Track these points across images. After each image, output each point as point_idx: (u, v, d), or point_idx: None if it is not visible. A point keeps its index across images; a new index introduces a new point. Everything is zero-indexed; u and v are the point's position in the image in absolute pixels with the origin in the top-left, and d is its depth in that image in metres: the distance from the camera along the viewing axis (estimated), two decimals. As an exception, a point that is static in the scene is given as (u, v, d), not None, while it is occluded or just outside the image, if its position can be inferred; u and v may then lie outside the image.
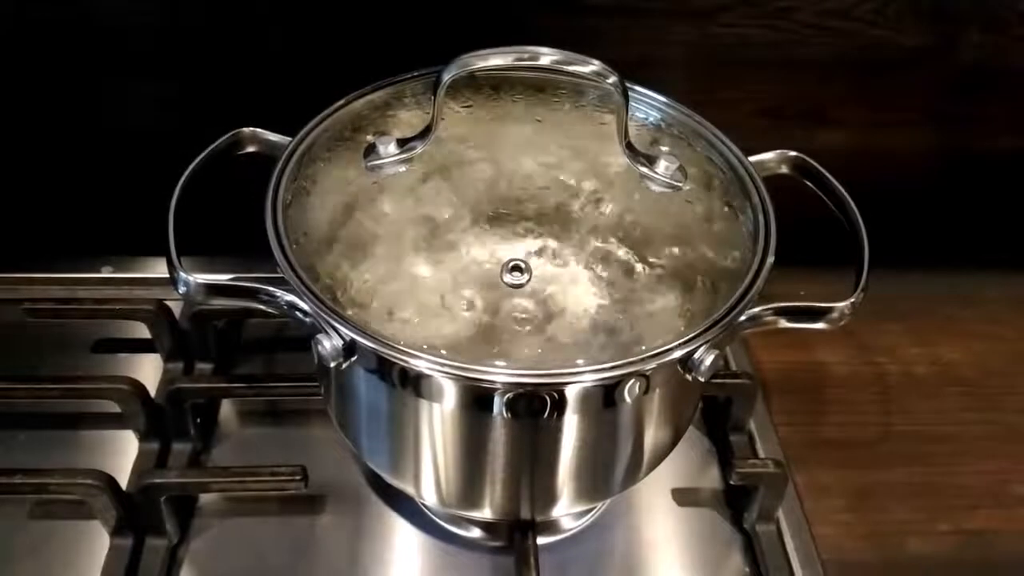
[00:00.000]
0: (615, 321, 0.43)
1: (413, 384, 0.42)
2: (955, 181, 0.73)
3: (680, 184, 0.49)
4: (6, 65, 0.62)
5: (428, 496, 0.49)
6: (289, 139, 0.49)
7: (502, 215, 0.47)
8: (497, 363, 0.40)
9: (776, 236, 0.46)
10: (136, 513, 0.51)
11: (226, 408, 0.61)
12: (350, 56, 0.60)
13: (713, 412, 0.61)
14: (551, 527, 0.55)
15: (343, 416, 0.50)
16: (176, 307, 0.63)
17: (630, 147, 0.49)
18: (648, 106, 0.53)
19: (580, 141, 0.51)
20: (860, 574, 0.54)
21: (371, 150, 0.49)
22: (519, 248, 0.46)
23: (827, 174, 0.50)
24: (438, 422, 0.44)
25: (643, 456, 0.49)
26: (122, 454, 0.57)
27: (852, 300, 0.45)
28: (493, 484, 0.47)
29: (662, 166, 0.49)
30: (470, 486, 0.48)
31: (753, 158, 0.51)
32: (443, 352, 0.41)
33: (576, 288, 0.45)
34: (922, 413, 0.64)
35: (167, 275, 0.44)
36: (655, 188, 0.49)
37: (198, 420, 0.58)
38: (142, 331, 0.62)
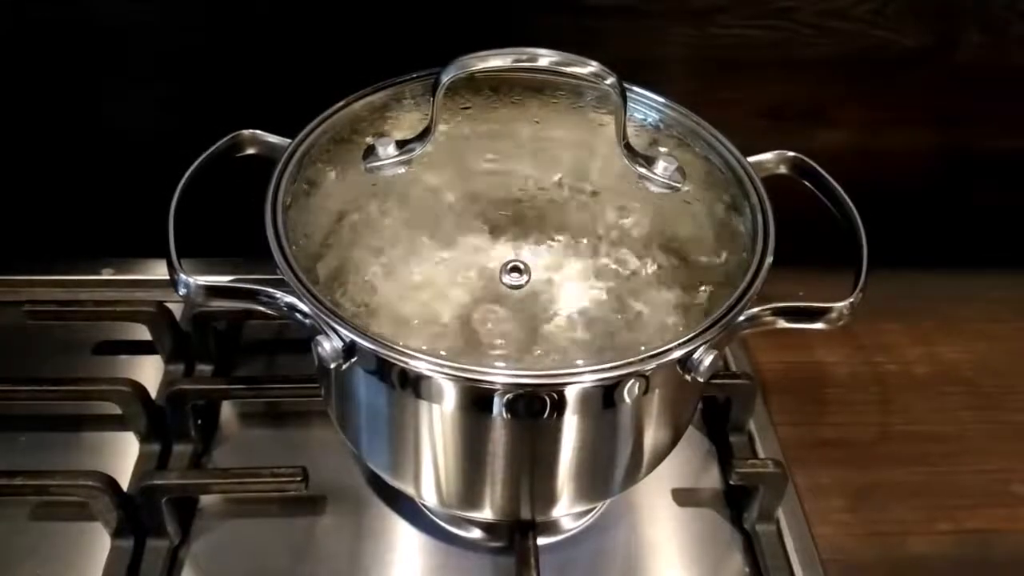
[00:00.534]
0: (614, 321, 0.44)
1: (413, 385, 0.42)
2: (955, 181, 0.73)
3: (679, 185, 0.49)
4: (6, 65, 0.62)
5: (428, 497, 0.49)
6: (289, 141, 0.49)
7: (501, 216, 0.47)
8: (497, 364, 0.41)
9: (775, 236, 0.46)
10: (137, 514, 0.52)
11: (227, 409, 0.61)
12: (349, 58, 0.60)
13: (713, 412, 0.61)
14: (551, 528, 0.55)
15: (343, 417, 0.50)
16: (177, 309, 0.63)
17: (629, 148, 0.49)
18: (647, 107, 0.53)
19: (579, 142, 0.51)
20: (860, 574, 0.54)
21: (370, 152, 0.49)
22: (518, 249, 0.46)
23: (825, 174, 0.50)
24: (438, 423, 0.44)
25: (643, 456, 0.49)
26: (123, 456, 0.57)
27: (851, 300, 0.45)
28: (493, 485, 0.47)
29: (661, 167, 0.49)
30: (470, 487, 0.48)
31: (752, 158, 0.51)
32: (443, 353, 0.41)
33: (575, 289, 0.45)
34: (922, 413, 0.64)
35: (168, 277, 0.44)
36: (654, 189, 0.49)
37: (199, 421, 0.58)
38: (143, 333, 0.62)
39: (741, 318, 0.43)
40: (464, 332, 0.43)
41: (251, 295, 0.44)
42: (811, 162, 0.51)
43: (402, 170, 0.48)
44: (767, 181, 0.50)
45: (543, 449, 0.45)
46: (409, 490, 0.50)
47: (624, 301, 0.44)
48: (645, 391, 0.43)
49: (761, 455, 0.59)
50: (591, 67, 0.46)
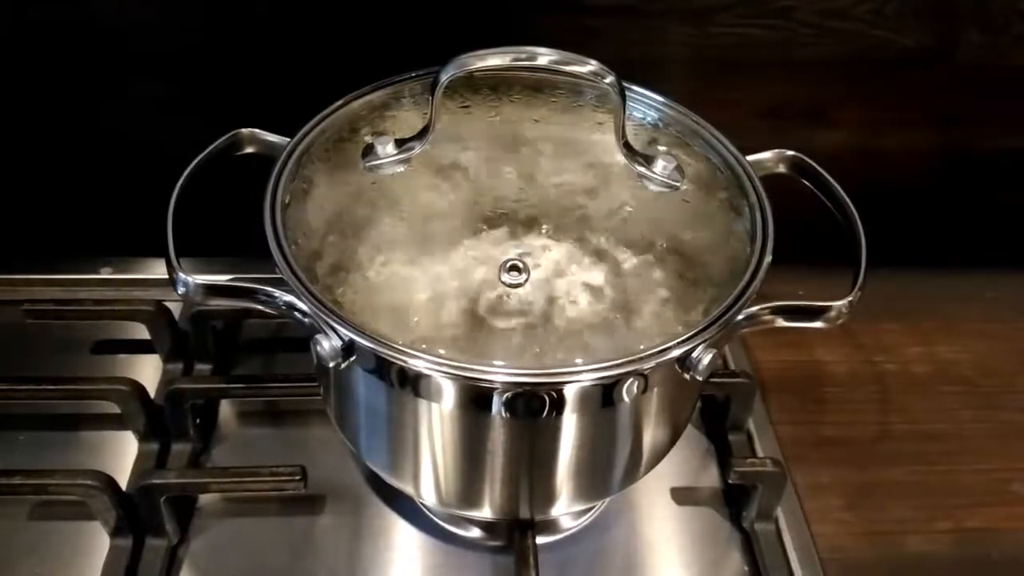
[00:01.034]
0: (613, 320, 0.43)
1: (412, 384, 0.42)
2: (954, 181, 0.73)
3: (678, 184, 0.49)
4: (6, 65, 0.62)
5: (427, 496, 0.49)
6: (287, 140, 0.49)
7: (500, 215, 0.47)
8: (496, 362, 0.41)
9: (774, 235, 0.46)
10: (136, 513, 0.52)
11: (225, 408, 0.61)
12: (348, 56, 0.60)
13: (712, 411, 0.61)
14: (550, 526, 0.55)
15: (342, 416, 0.50)
16: (175, 308, 0.63)
17: (628, 147, 0.49)
18: (646, 106, 0.53)
19: (578, 141, 0.51)
20: (859, 573, 0.54)
21: (369, 150, 0.49)
22: (517, 248, 0.46)
23: (824, 173, 0.50)
24: (437, 422, 0.44)
25: (642, 455, 0.49)
26: (122, 455, 0.57)
27: (849, 299, 0.45)
28: (492, 483, 0.47)
29: (660, 166, 0.49)
30: (469, 486, 0.48)
31: (751, 157, 0.51)
32: (441, 352, 0.41)
33: (574, 287, 0.44)
34: (921, 412, 0.64)
35: (166, 276, 0.44)
36: (653, 188, 0.49)
37: (197, 420, 0.58)
38: (141, 332, 0.62)
39: (740, 317, 0.43)
40: (463, 330, 0.43)
41: (250, 294, 0.44)
42: (810, 161, 0.51)
43: (401, 169, 0.48)
44: (766, 180, 0.50)
45: (542, 448, 0.45)
46: (408, 489, 0.50)
47: (623, 300, 0.44)
48: (644, 390, 0.43)
49: (760, 454, 0.59)
50: (590, 66, 0.45)
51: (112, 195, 0.66)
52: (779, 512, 0.55)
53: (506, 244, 0.46)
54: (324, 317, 0.41)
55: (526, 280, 0.44)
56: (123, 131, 0.65)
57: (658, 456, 0.50)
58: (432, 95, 0.47)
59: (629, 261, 0.46)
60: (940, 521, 0.57)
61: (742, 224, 0.47)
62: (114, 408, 0.56)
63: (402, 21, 0.61)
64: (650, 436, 0.48)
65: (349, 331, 0.41)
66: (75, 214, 0.67)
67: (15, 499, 0.54)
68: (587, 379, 0.41)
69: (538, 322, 0.43)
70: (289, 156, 0.48)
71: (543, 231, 0.46)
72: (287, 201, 0.46)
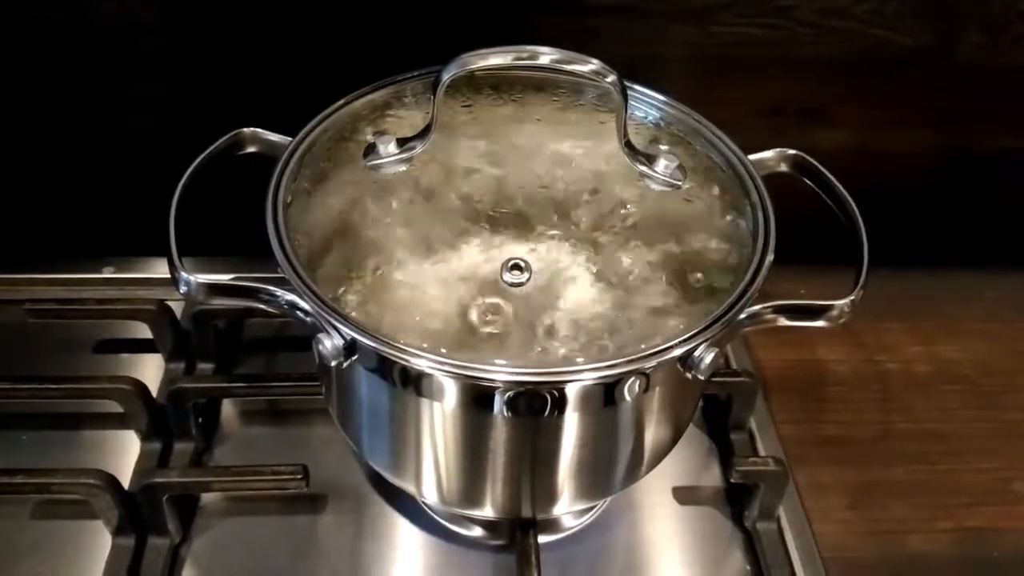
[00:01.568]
0: (615, 319, 0.44)
1: (414, 383, 0.42)
2: (954, 180, 0.73)
3: (679, 183, 0.49)
4: (7, 65, 0.62)
5: (429, 495, 0.49)
6: (289, 139, 0.49)
7: (502, 214, 0.47)
8: (497, 361, 0.41)
9: (775, 234, 0.46)
10: (138, 513, 0.52)
11: (227, 408, 0.61)
12: (350, 56, 0.60)
13: (714, 410, 0.61)
14: (552, 525, 0.55)
15: (344, 415, 0.50)
16: (177, 307, 0.63)
17: (629, 146, 0.49)
18: (647, 105, 0.53)
19: (579, 140, 0.51)
20: (861, 572, 0.54)
21: (371, 150, 0.49)
22: (519, 247, 0.46)
23: (826, 172, 0.50)
24: (439, 421, 0.44)
25: (643, 454, 0.49)
26: (124, 454, 0.57)
27: (851, 298, 0.45)
28: (494, 482, 0.47)
29: (661, 165, 0.49)
30: (471, 485, 0.48)
31: (752, 156, 0.51)
32: (444, 351, 0.41)
33: (576, 286, 0.45)
34: (922, 411, 0.64)
35: (168, 275, 0.44)
36: (654, 187, 0.49)
37: (200, 420, 0.58)
38: (144, 331, 0.62)
39: (742, 316, 0.43)
40: (465, 330, 0.43)
41: (252, 293, 0.44)
42: (812, 160, 0.51)
43: (403, 168, 0.48)
44: (768, 179, 0.50)
45: (544, 447, 0.45)
46: (410, 488, 0.50)
47: (625, 299, 0.44)
48: (646, 389, 0.43)
49: (762, 453, 0.59)
50: (592, 65, 0.46)
51: (114, 195, 0.66)
52: (781, 511, 0.55)
53: (508, 243, 0.46)
54: (326, 316, 0.41)
55: (528, 279, 0.44)
56: (125, 131, 0.66)
57: (660, 455, 0.50)
58: (434, 94, 0.47)
59: (631, 260, 0.46)
60: (941, 520, 0.57)
61: (744, 223, 0.47)
62: (116, 407, 0.57)
63: (403, 20, 0.61)
64: (652, 435, 0.48)
65: (351, 330, 0.41)
66: (77, 214, 0.67)
67: (18, 498, 0.54)
68: (589, 378, 0.41)
69: (539, 321, 0.43)
70: (291, 155, 0.48)
71: (545, 230, 0.46)
72: (289, 200, 0.46)
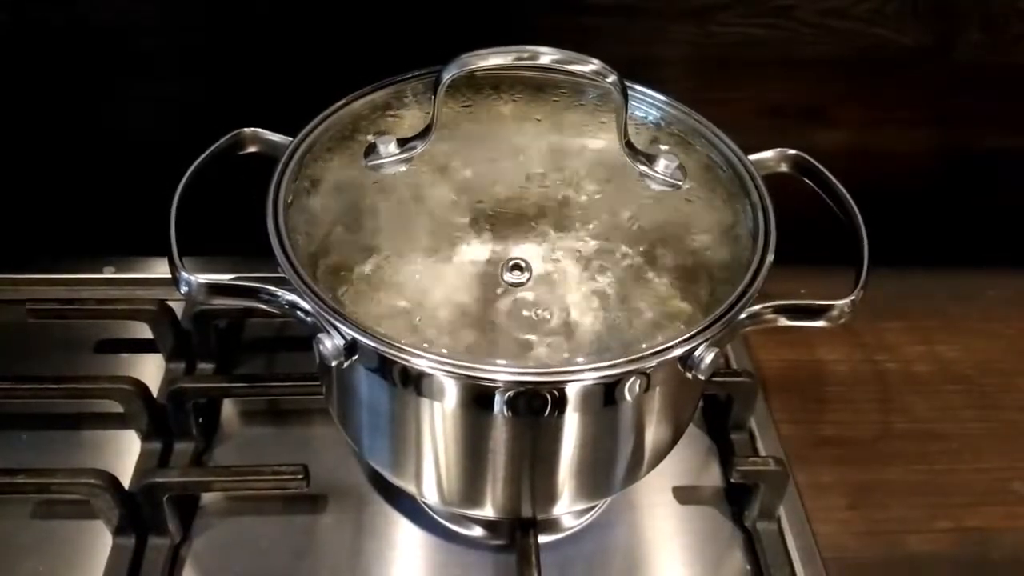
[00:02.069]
0: (615, 319, 0.44)
1: (414, 383, 0.42)
2: (954, 179, 0.73)
3: (680, 183, 0.49)
4: (6, 65, 0.62)
5: (429, 495, 0.49)
6: (290, 139, 0.49)
7: (502, 214, 0.47)
8: (498, 361, 0.41)
9: (776, 234, 0.46)
10: (138, 512, 0.52)
11: (228, 407, 0.61)
12: (350, 56, 0.60)
13: (714, 410, 0.61)
14: (552, 525, 0.55)
15: (344, 415, 0.50)
16: (178, 307, 0.63)
17: (630, 146, 0.49)
18: (648, 105, 0.53)
19: (580, 140, 0.51)
20: (860, 572, 0.54)
21: (371, 150, 0.49)
22: (519, 247, 0.46)
23: (827, 172, 0.50)
24: (439, 421, 0.44)
25: (644, 454, 0.49)
26: (124, 454, 0.57)
27: (852, 298, 0.45)
28: (494, 482, 0.47)
29: (662, 165, 0.49)
30: (471, 484, 0.48)
31: (753, 156, 0.51)
32: (444, 351, 0.41)
33: (576, 286, 0.45)
34: (922, 411, 0.64)
35: (169, 275, 0.44)
36: (655, 187, 0.49)
37: (200, 420, 0.58)
38: (144, 331, 0.62)
39: (742, 316, 0.43)
40: (465, 329, 0.43)
41: (252, 293, 0.44)
42: (812, 160, 0.51)
43: (403, 168, 0.49)
44: (768, 179, 0.50)
45: (544, 447, 0.45)
46: (410, 488, 0.50)
47: (625, 298, 0.44)
48: (646, 389, 0.43)
49: (762, 453, 0.59)
50: (592, 65, 0.46)
51: (115, 194, 0.66)
52: (781, 511, 0.55)
53: (508, 243, 0.46)
54: (327, 316, 0.41)
55: (528, 279, 0.44)
56: (125, 131, 0.66)
57: (660, 455, 0.51)
58: (434, 94, 0.47)
59: (631, 260, 0.46)
60: (941, 520, 0.57)
61: (744, 223, 0.47)
62: (117, 407, 0.57)
63: (404, 20, 0.61)
64: (652, 435, 0.48)
65: (352, 330, 0.41)
66: (78, 214, 0.67)
67: (18, 498, 0.54)
68: (589, 378, 0.41)
69: (540, 321, 0.43)
70: (292, 155, 0.48)
71: (545, 230, 0.47)
72: (290, 200, 0.46)
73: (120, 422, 0.57)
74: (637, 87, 0.52)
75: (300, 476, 0.51)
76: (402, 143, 0.49)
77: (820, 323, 0.46)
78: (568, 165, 0.50)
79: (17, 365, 0.60)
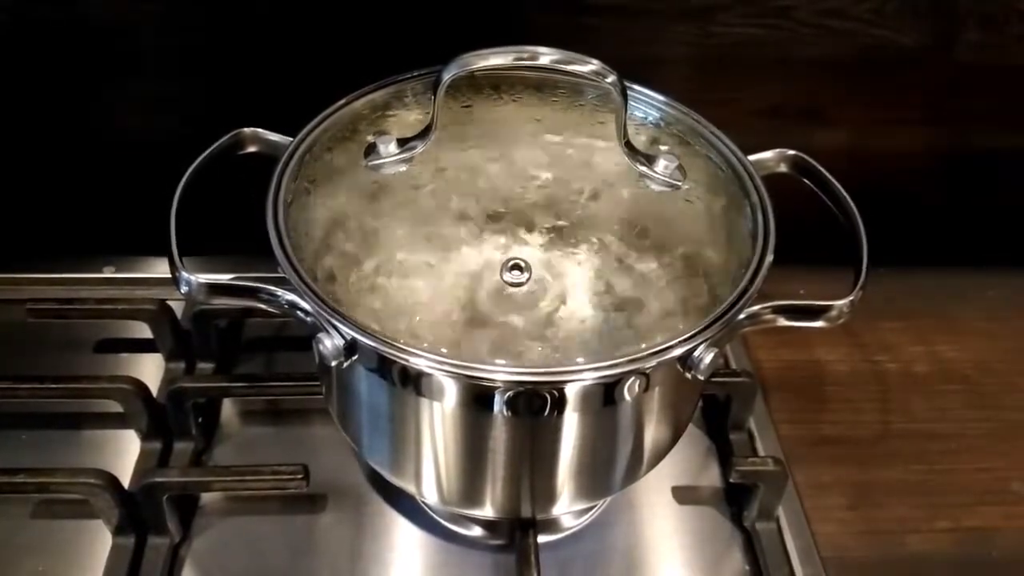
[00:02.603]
0: (615, 319, 0.44)
1: (414, 383, 0.42)
2: (954, 179, 0.73)
3: (679, 183, 0.49)
4: (6, 65, 0.62)
5: (429, 494, 0.49)
6: (290, 139, 0.49)
7: (502, 214, 0.47)
8: (497, 361, 0.41)
9: (775, 234, 0.46)
10: (138, 512, 0.52)
11: (227, 407, 0.61)
12: (350, 56, 0.60)
13: (713, 410, 0.61)
14: (552, 525, 0.55)
15: (344, 415, 0.50)
16: (178, 307, 0.63)
17: (629, 146, 0.49)
18: (647, 105, 0.53)
19: (579, 140, 0.51)
20: (860, 572, 0.55)
21: (372, 150, 0.49)
22: (519, 247, 0.46)
23: (826, 173, 0.50)
24: (439, 420, 0.44)
25: (643, 454, 0.49)
26: (124, 453, 0.57)
27: (851, 298, 0.45)
28: (494, 482, 0.47)
29: (661, 165, 0.49)
30: (471, 484, 0.48)
31: (752, 157, 0.51)
32: (444, 351, 0.41)
33: (575, 286, 0.45)
34: (921, 411, 0.64)
35: (169, 275, 0.44)
36: (654, 187, 0.49)
37: (200, 419, 0.58)
38: (144, 331, 0.62)
39: (741, 316, 0.44)
40: (465, 329, 0.43)
41: (252, 293, 0.44)
42: (811, 160, 0.51)
43: (403, 168, 0.49)
44: (767, 179, 0.50)
45: (543, 447, 0.45)
46: (410, 488, 0.50)
47: (625, 299, 0.44)
48: (645, 389, 0.43)
49: (761, 453, 0.59)
50: (592, 65, 0.46)
51: (114, 194, 0.66)
52: (780, 511, 0.55)
53: (508, 243, 0.46)
54: (326, 316, 0.41)
55: (528, 279, 0.44)
56: (125, 130, 0.66)
57: (659, 455, 0.51)
58: (434, 94, 0.47)
59: (630, 260, 0.46)
60: (940, 520, 0.57)
61: (743, 223, 0.47)
62: (116, 407, 0.57)
63: (404, 20, 0.61)
64: (651, 435, 0.48)
65: (351, 330, 0.41)
66: (77, 213, 0.67)
67: (18, 497, 0.54)
68: (589, 378, 0.41)
69: (539, 321, 0.43)
70: (291, 155, 0.48)
71: (545, 230, 0.47)
72: (290, 200, 0.46)
73: (120, 422, 0.57)
74: (636, 87, 0.52)
75: (300, 476, 0.51)
76: (402, 143, 0.49)
77: (819, 323, 0.46)
78: (568, 165, 0.50)
79: (17, 365, 0.60)
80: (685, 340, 0.41)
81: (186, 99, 0.64)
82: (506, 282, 0.44)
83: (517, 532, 0.52)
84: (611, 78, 0.46)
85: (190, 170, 0.47)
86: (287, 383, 0.58)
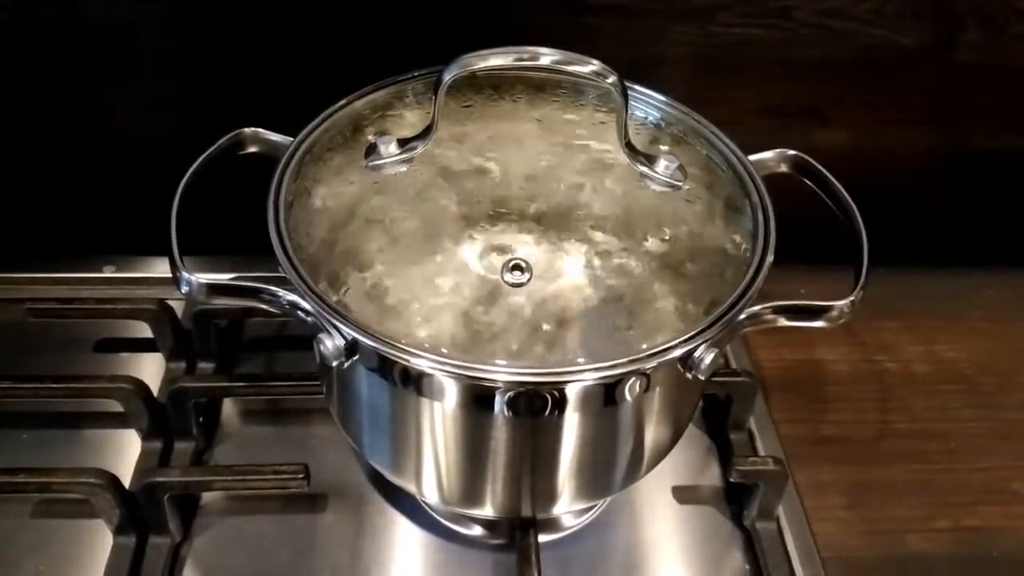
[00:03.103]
0: (615, 319, 0.44)
1: (415, 383, 0.42)
2: (954, 179, 0.73)
3: (680, 183, 0.49)
4: (7, 65, 0.62)
5: (429, 494, 0.49)
6: (291, 139, 0.49)
7: (502, 214, 0.47)
8: (498, 362, 0.41)
9: (776, 235, 0.46)
10: (139, 512, 0.52)
11: (228, 407, 0.61)
12: (351, 56, 0.60)
13: (713, 410, 0.62)
14: (552, 525, 0.55)
15: (345, 415, 0.50)
16: (178, 306, 0.63)
17: (630, 146, 0.49)
18: (648, 105, 0.53)
19: (580, 140, 0.51)
20: (860, 571, 0.55)
21: (372, 150, 0.49)
22: (519, 247, 0.46)
23: (826, 172, 0.50)
24: (439, 420, 0.44)
25: (643, 454, 0.49)
26: (125, 453, 0.57)
27: (851, 298, 0.45)
28: (494, 482, 0.47)
29: (662, 165, 0.49)
30: (471, 484, 0.48)
31: (753, 157, 0.51)
32: (444, 351, 0.41)
33: (576, 287, 0.45)
34: (921, 410, 0.64)
35: (169, 275, 0.44)
36: (655, 187, 0.49)
37: (200, 419, 0.58)
38: (144, 330, 0.62)
39: (742, 316, 0.44)
40: (465, 330, 0.43)
41: (253, 293, 0.44)
42: (812, 160, 0.51)
43: (404, 168, 0.49)
44: (768, 179, 0.50)
45: (544, 447, 0.45)
46: (410, 487, 0.50)
47: (625, 299, 0.44)
48: (646, 389, 0.43)
49: (761, 453, 0.59)
50: (592, 66, 0.46)
51: (115, 194, 0.66)
52: (780, 511, 0.55)
53: (509, 244, 0.46)
54: (327, 316, 0.41)
55: (529, 279, 0.44)
56: (126, 130, 0.66)
57: (660, 455, 0.51)
58: (435, 95, 0.47)
59: (631, 260, 0.46)
60: (940, 520, 0.57)
61: (744, 223, 0.48)
62: (117, 407, 0.57)
63: (404, 20, 0.61)
64: (652, 435, 0.48)
65: (352, 330, 0.41)
66: (78, 213, 0.67)
67: (19, 497, 0.54)
68: (589, 378, 0.41)
69: (540, 321, 0.43)
70: (292, 155, 0.48)
71: (546, 231, 0.47)
72: (290, 200, 0.46)
73: (120, 421, 0.57)
74: (637, 87, 0.52)
75: (300, 475, 0.51)
76: (402, 143, 0.49)
77: (819, 323, 0.46)
78: (568, 165, 0.50)
79: (17, 364, 0.60)
80: (685, 340, 0.41)
81: (186, 99, 0.64)
82: (506, 282, 0.44)
83: (517, 532, 0.52)
84: (612, 78, 0.46)
85: (191, 170, 0.47)
86: (288, 383, 0.58)
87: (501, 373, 0.40)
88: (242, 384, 0.59)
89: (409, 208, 0.47)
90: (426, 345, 0.41)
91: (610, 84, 0.46)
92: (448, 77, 0.46)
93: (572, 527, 0.56)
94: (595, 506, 0.56)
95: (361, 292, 0.44)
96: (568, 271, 0.45)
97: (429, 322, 0.43)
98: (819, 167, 0.51)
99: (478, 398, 0.42)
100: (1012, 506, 0.59)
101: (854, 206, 0.49)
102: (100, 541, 0.52)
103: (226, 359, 0.63)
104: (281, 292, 0.43)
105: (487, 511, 0.49)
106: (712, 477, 0.59)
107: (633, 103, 0.50)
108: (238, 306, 0.49)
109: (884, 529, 0.57)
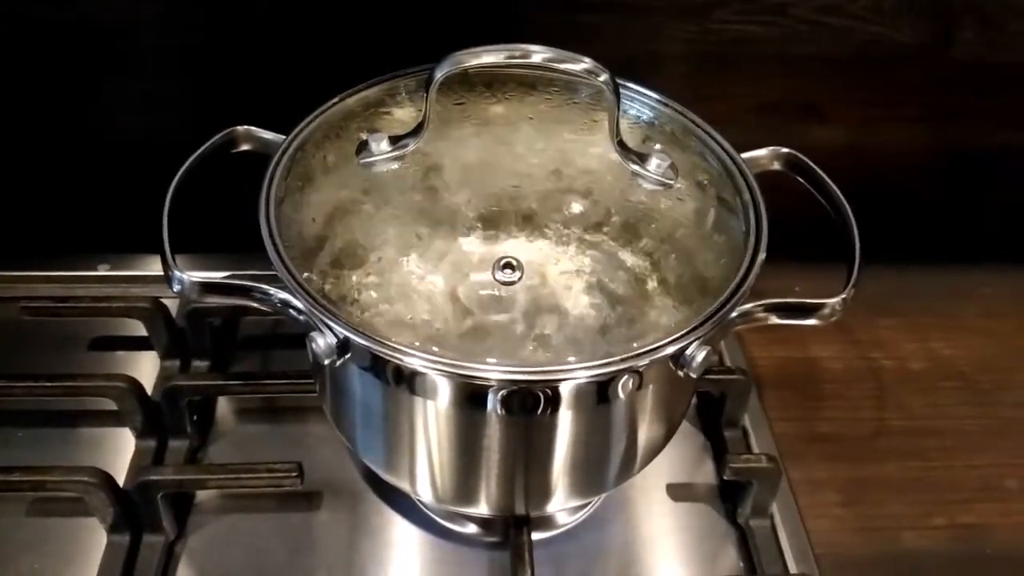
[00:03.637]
0: (607, 318, 0.44)
1: (407, 381, 0.42)
2: (950, 176, 0.73)
3: (672, 181, 0.49)
4: (6, 65, 0.62)
5: (423, 492, 0.49)
6: (283, 137, 0.49)
7: (494, 212, 0.47)
8: (490, 360, 0.41)
9: (768, 233, 0.46)
10: (133, 510, 0.52)
11: (222, 405, 0.61)
12: (344, 53, 0.60)
13: (707, 408, 0.62)
14: (546, 523, 0.55)
15: (338, 413, 0.50)
16: (172, 305, 0.63)
17: (622, 145, 0.49)
18: (640, 104, 0.53)
19: (572, 138, 0.51)
20: (854, 568, 0.55)
21: (364, 147, 0.49)
22: (511, 245, 0.46)
23: (819, 170, 0.50)
24: (432, 419, 0.44)
25: (637, 452, 0.49)
26: (119, 451, 0.57)
27: (843, 296, 0.45)
28: (488, 480, 0.47)
29: (654, 164, 0.49)
30: (465, 482, 0.48)
31: (745, 155, 0.51)
32: (436, 349, 0.41)
33: (568, 285, 0.45)
34: (916, 408, 0.64)
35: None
36: (647, 185, 0.49)
37: (195, 417, 0.58)
38: (139, 329, 0.62)
39: (734, 314, 0.43)
40: (457, 328, 0.43)
41: (245, 291, 0.44)
42: (804, 158, 0.51)
43: (395, 166, 0.49)
44: (761, 177, 0.50)
45: (537, 445, 0.45)
46: (404, 486, 0.50)
47: (617, 297, 0.44)
48: (638, 387, 0.43)
49: (755, 450, 0.59)
50: (584, 64, 0.45)
51: (109, 192, 0.66)
52: (774, 508, 0.55)
53: (500, 242, 0.46)
54: (319, 315, 0.41)
55: (520, 278, 0.44)
56: (120, 129, 0.66)
57: (653, 452, 0.51)
58: (427, 92, 0.47)
59: (623, 258, 0.46)
60: (935, 517, 0.57)
61: (736, 221, 0.47)
62: (111, 405, 0.57)
63: (397, 18, 0.61)
64: (645, 433, 0.48)
65: (344, 329, 0.41)
66: (72, 211, 0.67)
67: (13, 495, 0.54)
68: (581, 377, 0.41)
69: (532, 320, 0.43)
70: (284, 153, 0.48)
71: (537, 229, 0.47)
72: (282, 198, 0.46)
73: (115, 420, 0.57)
74: (629, 85, 0.52)
75: (294, 473, 0.51)
76: (394, 141, 0.49)
77: (811, 321, 0.46)
78: (560, 164, 0.50)
79: (12, 363, 0.60)
80: (677, 339, 0.41)
81: (180, 97, 0.64)
82: (498, 280, 0.44)
83: (511, 529, 0.52)
84: (603, 76, 0.46)
85: (183, 168, 0.47)
86: (282, 381, 0.58)
87: (493, 372, 0.40)
88: (236, 382, 0.59)
89: (400, 206, 0.48)
90: (417, 344, 0.41)
91: (602, 82, 0.46)
92: (440, 74, 0.46)
93: (566, 525, 0.56)
94: (589, 504, 0.56)
95: (352, 290, 0.44)
96: (559, 269, 0.45)
97: (420, 320, 0.43)
98: (812, 165, 0.51)
99: (471, 397, 0.42)
100: (1007, 503, 0.59)
101: (846, 204, 0.48)
102: (94, 539, 0.52)
103: (220, 357, 0.63)
104: (272, 290, 0.43)
105: (481, 509, 0.49)
106: (706, 474, 0.59)
107: (626, 101, 0.50)
108: (231, 304, 0.49)
109: (879, 526, 0.57)
